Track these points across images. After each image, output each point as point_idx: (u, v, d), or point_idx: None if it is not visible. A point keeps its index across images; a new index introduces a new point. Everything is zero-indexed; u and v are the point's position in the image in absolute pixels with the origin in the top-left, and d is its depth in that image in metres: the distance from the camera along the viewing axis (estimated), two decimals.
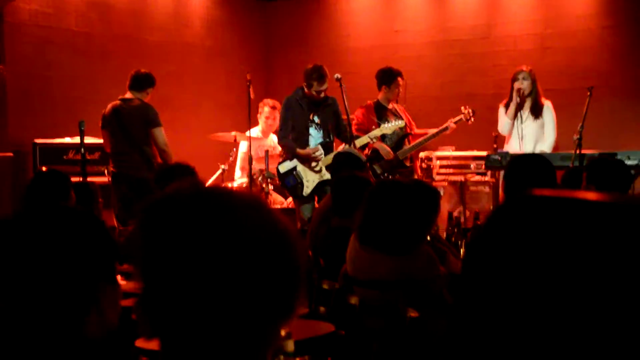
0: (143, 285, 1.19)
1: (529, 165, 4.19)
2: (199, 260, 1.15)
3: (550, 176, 4.10)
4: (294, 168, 7.61)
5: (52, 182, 4.66)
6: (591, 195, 0.97)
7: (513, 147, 7.89)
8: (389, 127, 7.89)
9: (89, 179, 7.41)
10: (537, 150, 7.76)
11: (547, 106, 7.92)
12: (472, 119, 8.23)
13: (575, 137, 6.91)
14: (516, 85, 7.88)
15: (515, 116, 7.91)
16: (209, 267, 1.15)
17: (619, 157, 6.31)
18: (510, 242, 0.95)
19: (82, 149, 7.42)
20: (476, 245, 1.00)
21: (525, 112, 7.92)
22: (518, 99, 7.87)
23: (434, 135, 8.15)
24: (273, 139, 9.01)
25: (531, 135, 7.88)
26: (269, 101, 8.95)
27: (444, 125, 8.13)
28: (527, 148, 7.81)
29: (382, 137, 7.98)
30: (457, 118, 8.18)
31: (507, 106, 8.00)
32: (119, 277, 1.80)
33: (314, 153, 7.56)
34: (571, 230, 0.92)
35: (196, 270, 1.15)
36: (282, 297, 1.20)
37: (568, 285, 0.89)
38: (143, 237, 1.19)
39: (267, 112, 8.88)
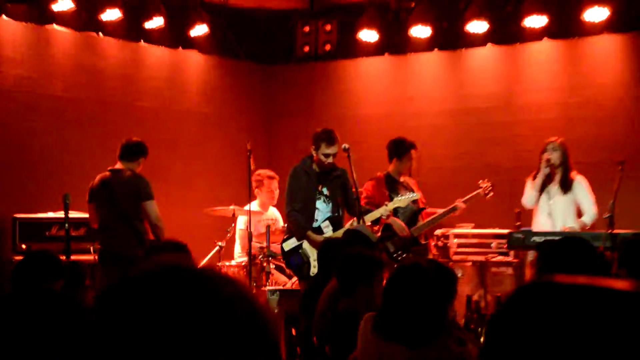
0: None
1: (566, 250, 4.13)
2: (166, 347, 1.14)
3: (591, 261, 4.03)
4: (300, 246, 7.61)
5: (42, 264, 4.69)
6: (617, 284, 0.99)
7: (541, 224, 7.91)
8: (403, 199, 7.93)
9: (74, 257, 7.43)
10: (569, 226, 7.76)
11: (579, 181, 7.96)
12: (491, 193, 8.27)
13: (607, 215, 6.92)
14: (545, 156, 7.95)
15: (542, 188, 7.94)
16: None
17: None
18: (525, 331, 0.98)
19: (67, 225, 7.45)
20: (492, 331, 1.03)
21: (554, 187, 7.96)
22: (547, 170, 7.91)
23: (442, 216, 8.19)
24: (274, 212, 9.04)
25: (560, 211, 7.92)
26: (265, 172, 9.03)
27: (452, 206, 8.17)
28: (557, 225, 7.82)
29: (395, 212, 8.00)
30: (468, 197, 8.24)
31: (534, 179, 8.05)
32: None
33: None
34: (590, 320, 0.94)
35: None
36: None
37: None
38: (102, 330, 1.17)
39: (268, 184, 8.98)
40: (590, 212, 7.89)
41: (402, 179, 8.32)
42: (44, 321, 1.69)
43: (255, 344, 1.18)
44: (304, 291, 6.76)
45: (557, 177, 8.01)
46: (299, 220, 7.64)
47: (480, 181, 8.37)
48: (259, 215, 8.89)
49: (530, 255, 7.62)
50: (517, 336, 1.00)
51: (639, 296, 0.97)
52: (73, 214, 7.80)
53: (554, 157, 7.97)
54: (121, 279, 1.22)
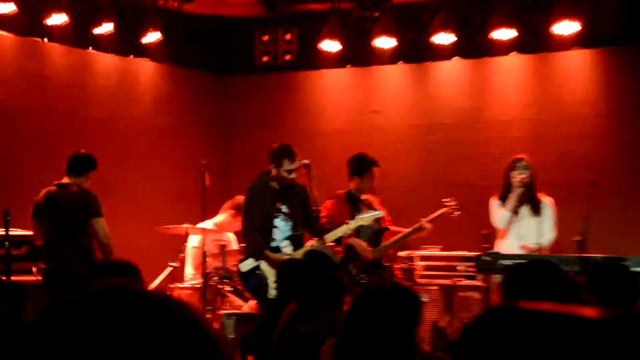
0: None
1: (533, 274, 4.17)
2: None
3: (559, 285, 4.07)
4: (257, 267, 7.60)
5: None
6: (584, 311, 1.02)
7: (510, 246, 7.93)
8: (366, 217, 7.93)
9: (14, 277, 7.35)
10: (529, 243, 7.85)
11: (547, 202, 8.05)
12: (457, 212, 8.31)
13: (576, 238, 6.97)
14: (515, 174, 7.99)
15: (517, 209, 7.98)
16: None
17: (627, 263, 6.34)
18: (487, 358, 1.01)
19: (7, 243, 7.38)
20: (455, 357, 1.06)
21: (524, 208, 8.02)
22: (520, 190, 7.95)
23: (407, 235, 8.22)
24: (226, 233, 9.01)
25: (531, 234, 7.94)
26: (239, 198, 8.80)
27: (417, 225, 8.19)
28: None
29: (356, 233, 8.02)
30: (433, 216, 8.26)
31: (501, 199, 8.08)
32: None
33: None
34: (553, 348, 0.98)
35: None
36: None
37: None
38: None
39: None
40: (550, 235, 8.00)
41: (364, 197, 8.35)
42: None
43: None
44: (261, 316, 6.76)
45: (528, 198, 8.07)
46: (256, 239, 7.64)
47: (446, 199, 8.41)
48: (214, 234, 8.85)
49: (497, 278, 7.64)
50: None
51: (605, 324, 1.00)
52: (14, 232, 7.73)
53: (525, 175, 8.02)
54: (65, 300, 1.20)
